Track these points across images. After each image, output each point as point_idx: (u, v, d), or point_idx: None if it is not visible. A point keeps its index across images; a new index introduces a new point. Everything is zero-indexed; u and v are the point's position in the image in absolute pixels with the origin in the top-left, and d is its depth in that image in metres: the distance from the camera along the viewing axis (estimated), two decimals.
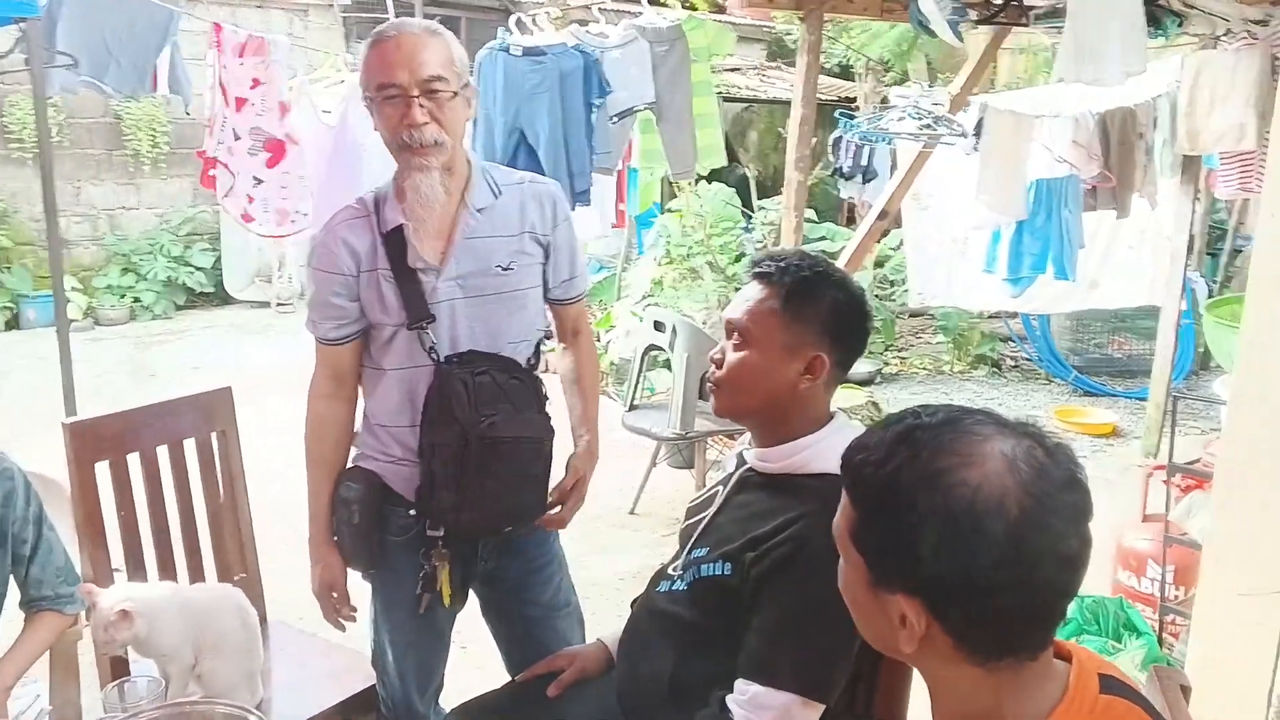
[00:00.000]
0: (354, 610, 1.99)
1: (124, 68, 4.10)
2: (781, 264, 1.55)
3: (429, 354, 1.82)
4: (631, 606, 1.74)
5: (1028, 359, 7.15)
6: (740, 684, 1.44)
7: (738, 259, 6.57)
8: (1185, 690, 1.23)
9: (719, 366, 1.59)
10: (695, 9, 5.96)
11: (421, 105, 1.72)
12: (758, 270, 1.58)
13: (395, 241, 1.81)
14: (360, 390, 1.95)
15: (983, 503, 0.88)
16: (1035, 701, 0.94)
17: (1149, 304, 5.69)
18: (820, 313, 1.53)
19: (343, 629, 2.02)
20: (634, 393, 4.61)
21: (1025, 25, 4.03)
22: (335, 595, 1.95)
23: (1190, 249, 5.41)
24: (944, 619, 0.91)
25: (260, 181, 3.84)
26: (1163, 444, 5.03)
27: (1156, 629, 2.94)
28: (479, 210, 1.84)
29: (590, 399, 2.09)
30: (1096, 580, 3.16)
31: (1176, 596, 3.01)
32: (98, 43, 4.01)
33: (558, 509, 1.99)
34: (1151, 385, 5.21)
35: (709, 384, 1.62)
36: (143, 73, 4.15)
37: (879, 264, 7.31)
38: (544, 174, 3.65)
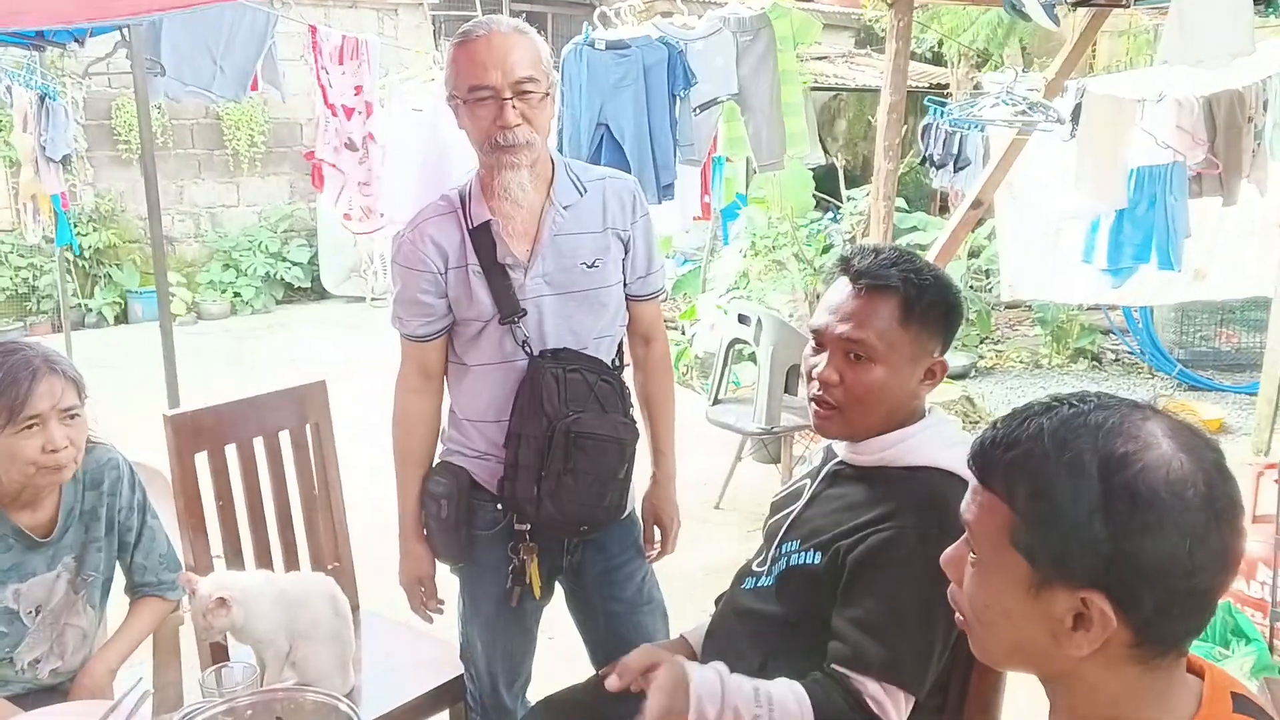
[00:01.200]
0: (441, 602, 2.03)
1: (227, 75, 4.23)
2: (892, 269, 1.47)
3: (522, 347, 1.83)
4: (715, 604, 1.72)
5: (1129, 352, 6.90)
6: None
7: (825, 250, 6.47)
8: None
9: (831, 385, 1.50)
10: None
11: (514, 106, 1.72)
12: (872, 283, 1.48)
13: (483, 237, 1.82)
14: (445, 386, 1.98)
15: (1176, 480, 0.86)
16: (1172, 712, 0.92)
17: (1258, 295, 5.44)
18: (939, 319, 1.50)
19: (430, 620, 2.06)
20: (719, 386, 4.58)
21: (1125, 6, 3.87)
22: (423, 588, 1.99)
23: None
24: (1134, 609, 0.87)
25: (361, 183, 3.94)
26: (1274, 441, 4.82)
27: (1266, 635, 2.81)
28: (565, 208, 1.84)
29: (663, 426, 2.08)
30: None
31: None
32: (202, 53, 4.14)
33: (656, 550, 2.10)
34: (1262, 380, 4.99)
35: (820, 407, 1.53)
36: (244, 77, 4.28)
37: (973, 254, 7.14)
38: (629, 168, 3.65)
